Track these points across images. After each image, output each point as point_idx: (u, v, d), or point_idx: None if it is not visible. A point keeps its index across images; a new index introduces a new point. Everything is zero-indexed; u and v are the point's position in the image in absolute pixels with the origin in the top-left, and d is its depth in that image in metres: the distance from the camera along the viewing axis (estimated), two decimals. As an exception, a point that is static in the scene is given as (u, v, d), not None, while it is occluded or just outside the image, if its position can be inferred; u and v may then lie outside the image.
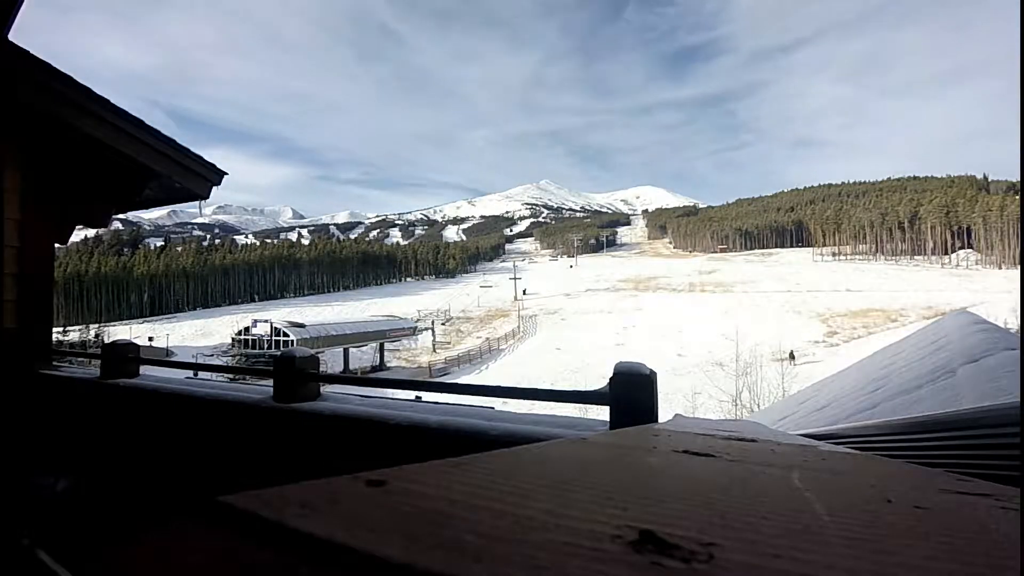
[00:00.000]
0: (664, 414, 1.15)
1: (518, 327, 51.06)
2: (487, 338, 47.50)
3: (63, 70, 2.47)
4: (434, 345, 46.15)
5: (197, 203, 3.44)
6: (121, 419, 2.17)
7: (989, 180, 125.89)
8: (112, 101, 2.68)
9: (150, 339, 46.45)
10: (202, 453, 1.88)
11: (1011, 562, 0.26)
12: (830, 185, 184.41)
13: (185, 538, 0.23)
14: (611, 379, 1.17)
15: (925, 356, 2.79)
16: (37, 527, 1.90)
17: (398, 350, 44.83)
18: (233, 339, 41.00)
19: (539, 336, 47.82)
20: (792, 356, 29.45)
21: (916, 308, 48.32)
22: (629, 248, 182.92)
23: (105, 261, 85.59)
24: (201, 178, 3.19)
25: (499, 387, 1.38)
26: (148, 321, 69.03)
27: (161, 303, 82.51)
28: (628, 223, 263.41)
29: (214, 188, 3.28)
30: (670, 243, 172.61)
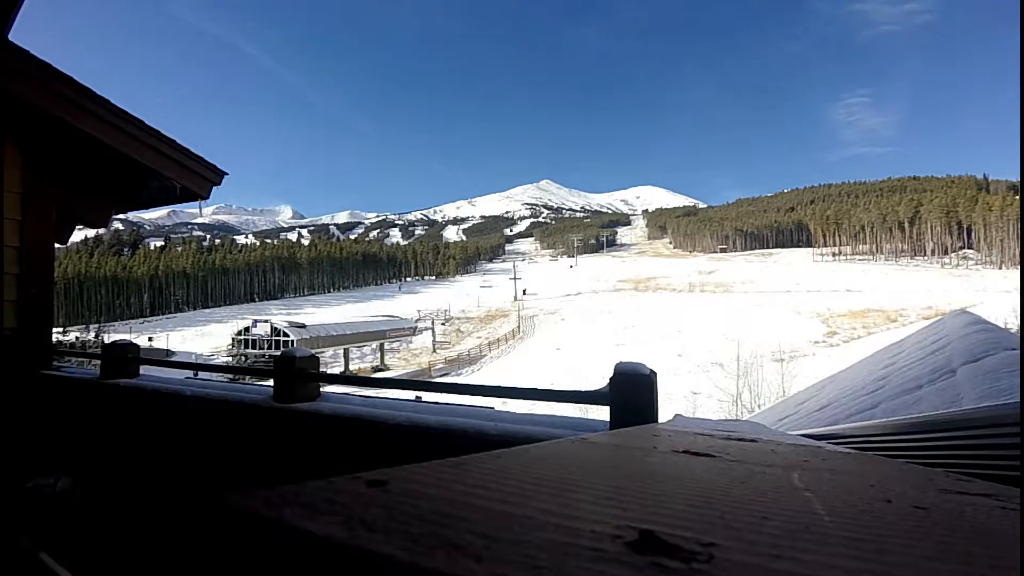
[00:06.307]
0: (664, 414, 1.15)
1: (518, 327, 51.03)
2: (487, 338, 47.52)
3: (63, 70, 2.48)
4: (434, 345, 46.15)
5: (197, 203, 3.44)
6: (121, 419, 2.17)
7: (989, 180, 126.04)
8: (112, 101, 2.68)
9: (150, 339, 46.47)
10: (202, 453, 1.88)
11: (1011, 562, 0.26)
12: (830, 185, 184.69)
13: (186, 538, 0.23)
14: (611, 379, 1.17)
15: (925, 356, 2.79)
16: (37, 528, 1.90)
17: (398, 350, 44.87)
18: (233, 339, 41.05)
19: (539, 336, 47.81)
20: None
21: (916, 308, 48.29)
22: (629, 248, 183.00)
23: (105, 261, 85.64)
24: (201, 178, 3.19)
25: (499, 387, 1.37)
26: (148, 321, 69.09)
27: (161, 303, 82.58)
28: (628, 223, 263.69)
29: (214, 188, 3.29)
30: (670, 243, 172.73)
